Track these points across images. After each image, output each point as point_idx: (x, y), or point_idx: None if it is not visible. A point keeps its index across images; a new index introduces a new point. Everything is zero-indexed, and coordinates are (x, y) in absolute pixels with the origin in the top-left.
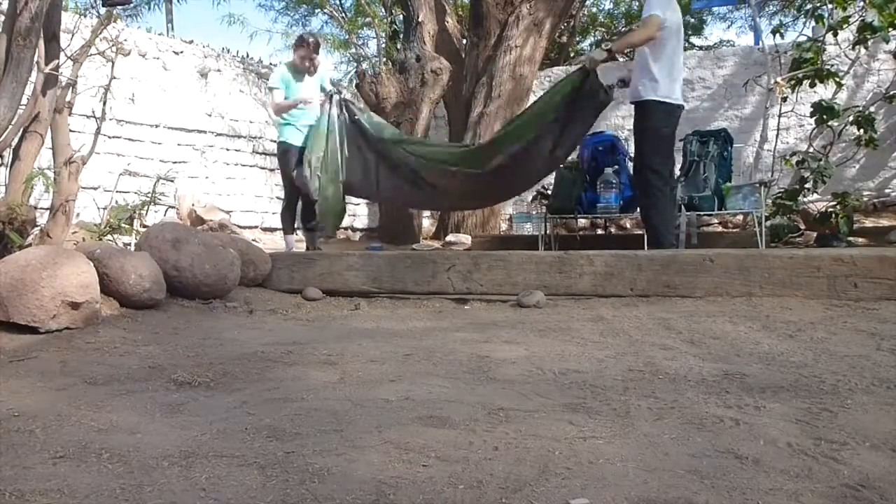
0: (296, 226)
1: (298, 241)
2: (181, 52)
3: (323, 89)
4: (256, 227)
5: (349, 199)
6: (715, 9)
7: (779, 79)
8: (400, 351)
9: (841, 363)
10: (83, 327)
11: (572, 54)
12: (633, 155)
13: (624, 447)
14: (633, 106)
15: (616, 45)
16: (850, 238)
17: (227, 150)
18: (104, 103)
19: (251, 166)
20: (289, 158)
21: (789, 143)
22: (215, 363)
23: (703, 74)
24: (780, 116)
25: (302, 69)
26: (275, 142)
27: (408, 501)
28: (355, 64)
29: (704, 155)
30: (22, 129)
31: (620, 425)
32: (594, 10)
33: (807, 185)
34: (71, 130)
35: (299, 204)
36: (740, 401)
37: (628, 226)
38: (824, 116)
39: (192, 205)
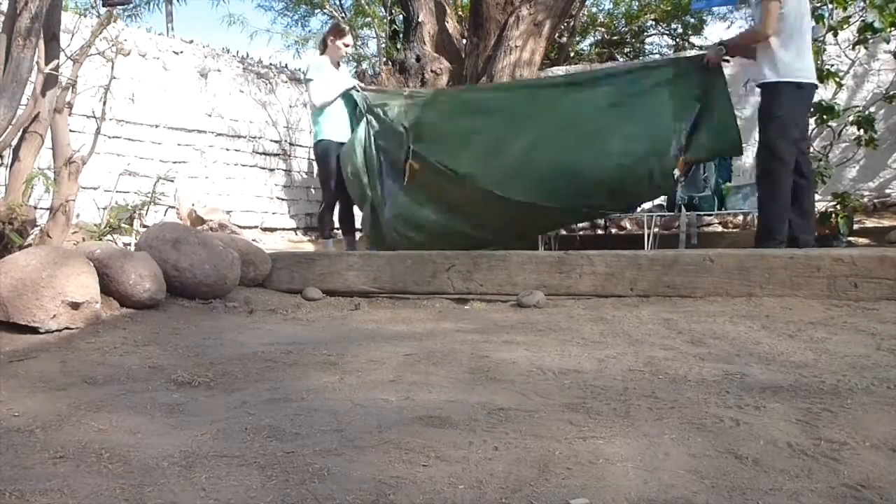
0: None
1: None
2: (181, 52)
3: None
4: (256, 227)
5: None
6: (715, 9)
7: None
8: (400, 351)
9: (841, 363)
10: (83, 327)
11: (572, 54)
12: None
13: (624, 447)
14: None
15: (732, 43)
16: (851, 238)
17: (227, 150)
18: (104, 103)
19: (251, 166)
20: (329, 157)
21: None
22: (215, 363)
23: None
24: None
25: (340, 59)
26: (276, 142)
27: (408, 501)
28: (355, 64)
29: None
30: (22, 129)
31: (620, 425)
32: (594, 10)
33: None
34: (71, 130)
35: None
36: (740, 401)
37: (628, 226)
38: (824, 116)
39: (192, 205)
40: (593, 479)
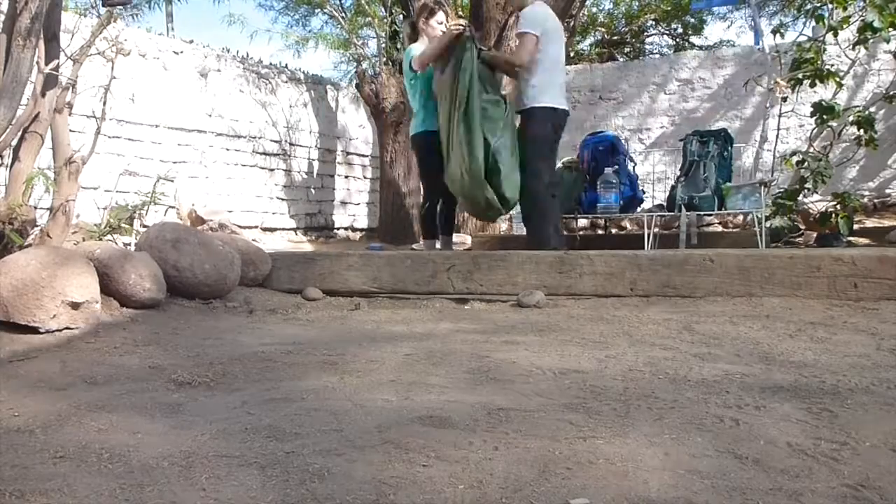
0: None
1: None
2: (181, 52)
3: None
4: (256, 227)
5: (350, 199)
6: (715, 9)
7: (779, 79)
8: (400, 351)
9: (841, 363)
10: (83, 327)
11: (572, 54)
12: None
13: (624, 447)
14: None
15: (490, 56)
16: (851, 238)
17: (227, 150)
18: (104, 103)
19: (251, 166)
20: (430, 149)
21: (789, 143)
22: (215, 363)
23: (704, 75)
24: (780, 116)
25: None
26: (276, 142)
27: (408, 501)
28: (355, 64)
29: (704, 155)
30: (22, 130)
31: (620, 425)
32: (594, 10)
33: (807, 186)
34: (71, 130)
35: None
36: (740, 401)
37: (628, 226)
38: (824, 116)
39: (192, 205)
40: (593, 479)
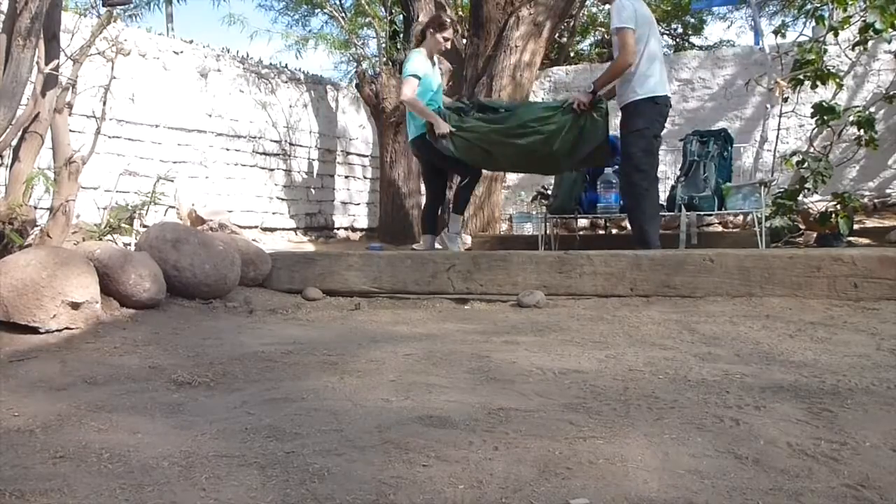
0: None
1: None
2: (181, 52)
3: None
4: (256, 227)
5: (350, 199)
6: (715, 9)
7: (779, 79)
8: (400, 351)
9: (841, 363)
10: (83, 327)
11: (572, 54)
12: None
13: (624, 447)
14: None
15: (599, 82)
16: (851, 238)
17: (227, 150)
18: (104, 103)
19: (251, 166)
20: (430, 152)
21: (789, 143)
22: (215, 363)
23: (704, 75)
24: (780, 117)
25: (438, 52)
26: (276, 142)
27: (408, 501)
28: (355, 64)
29: (704, 155)
30: (22, 130)
31: (620, 425)
32: (594, 10)
33: (807, 186)
34: (71, 130)
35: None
36: (740, 401)
37: (629, 226)
38: (825, 117)
39: (192, 205)
40: (593, 479)
